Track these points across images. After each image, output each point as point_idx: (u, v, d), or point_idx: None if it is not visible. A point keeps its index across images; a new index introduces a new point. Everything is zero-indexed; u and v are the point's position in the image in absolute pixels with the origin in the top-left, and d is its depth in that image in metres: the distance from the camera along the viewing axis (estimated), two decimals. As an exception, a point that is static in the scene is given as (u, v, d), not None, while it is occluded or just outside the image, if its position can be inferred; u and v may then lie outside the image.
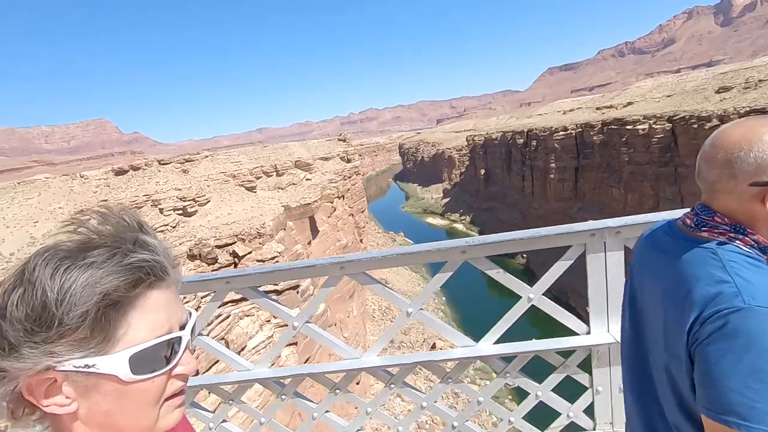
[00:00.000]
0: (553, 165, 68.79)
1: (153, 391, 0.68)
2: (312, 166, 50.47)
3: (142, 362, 0.65)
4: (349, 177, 58.77)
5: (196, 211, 34.22)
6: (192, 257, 27.69)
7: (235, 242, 28.66)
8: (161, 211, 32.52)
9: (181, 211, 33.29)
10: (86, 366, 0.62)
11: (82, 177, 42.25)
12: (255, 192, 42.49)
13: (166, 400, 0.70)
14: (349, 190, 55.56)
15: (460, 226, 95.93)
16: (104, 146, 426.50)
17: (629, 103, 64.71)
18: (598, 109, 71.82)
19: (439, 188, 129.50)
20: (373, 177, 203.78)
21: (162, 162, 40.27)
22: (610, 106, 68.67)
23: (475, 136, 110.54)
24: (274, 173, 46.89)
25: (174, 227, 31.40)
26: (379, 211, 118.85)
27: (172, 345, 0.69)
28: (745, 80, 46.51)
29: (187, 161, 45.38)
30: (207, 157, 50.41)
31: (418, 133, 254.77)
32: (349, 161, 64.23)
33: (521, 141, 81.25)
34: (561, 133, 67.96)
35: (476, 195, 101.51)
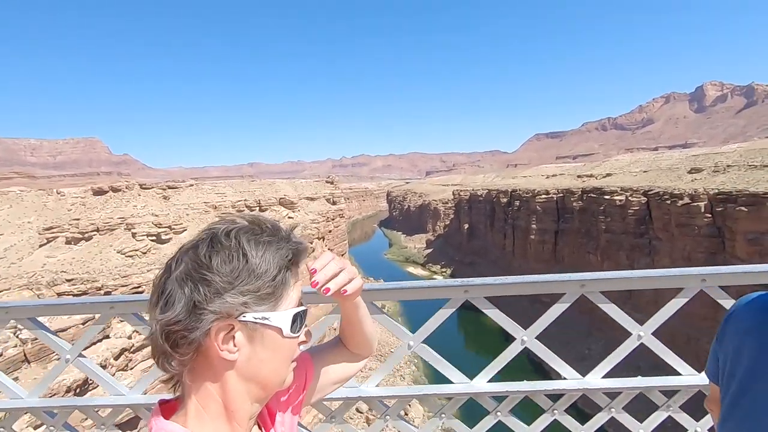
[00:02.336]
0: (534, 226, 70.20)
1: (292, 350, 0.90)
2: (296, 205, 50.47)
3: (294, 323, 0.88)
4: (333, 219, 58.83)
5: (171, 239, 33.39)
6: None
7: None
8: (134, 235, 31.67)
9: (154, 238, 32.45)
10: (263, 318, 0.83)
11: (58, 193, 41.34)
12: (234, 225, 41.92)
13: (293, 361, 0.92)
14: (330, 231, 55.38)
15: (439, 278, 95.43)
16: (91, 165, 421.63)
17: (608, 174, 67.54)
18: (579, 176, 74.68)
19: (423, 238, 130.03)
20: (359, 221, 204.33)
21: (144, 186, 39.83)
22: (591, 175, 71.53)
23: (461, 190, 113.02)
24: (257, 208, 46.65)
25: (144, 253, 30.44)
26: (361, 255, 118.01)
27: (304, 315, 0.91)
28: (715, 164, 49.26)
29: (170, 188, 45.00)
30: (192, 185, 50.18)
31: (407, 183, 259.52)
32: (334, 203, 64.61)
33: (505, 200, 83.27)
34: (543, 196, 70.02)
35: (458, 248, 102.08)
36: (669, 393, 2.05)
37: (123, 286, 26.79)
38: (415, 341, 2.09)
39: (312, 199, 60.79)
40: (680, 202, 44.16)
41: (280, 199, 51.15)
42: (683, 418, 2.10)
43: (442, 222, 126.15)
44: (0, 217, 38.01)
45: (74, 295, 26.86)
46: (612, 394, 2.06)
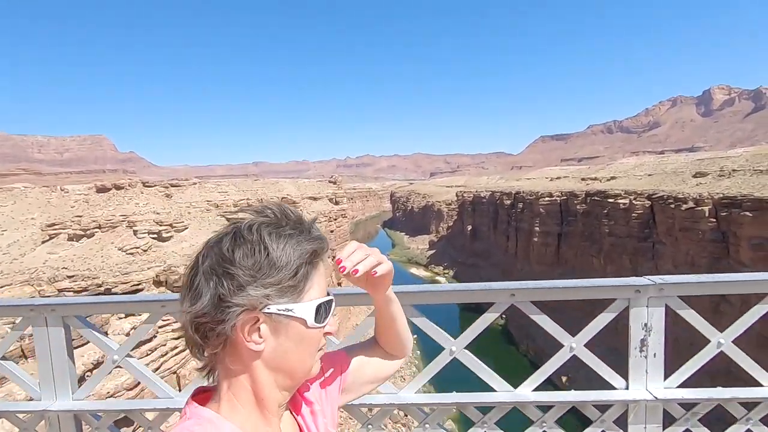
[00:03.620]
0: (537, 228, 69.86)
1: (317, 340, 0.93)
2: (298, 205, 50.46)
3: (318, 313, 0.90)
4: (335, 219, 58.81)
5: (172, 236, 33.50)
6: (158, 283, 26.76)
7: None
8: (135, 233, 31.81)
9: (155, 235, 32.57)
10: (286, 309, 0.85)
11: (62, 190, 41.61)
12: (236, 224, 42.08)
13: (318, 350, 0.95)
14: (333, 231, 55.35)
15: (442, 279, 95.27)
16: (97, 162, 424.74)
17: (612, 177, 67.12)
18: (583, 179, 74.25)
19: (426, 239, 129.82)
20: (362, 221, 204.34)
21: (146, 184, 40.01)
22: (595, 178, 71.09)
23: (465, 192, 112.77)
24: (259, 207, 46.74)
25: (145, 251, 30.55)
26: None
27: (330, 305, 0.94)
28: (720, 168, 48.81)
29: (172, 186, 45.16)
30: (195, 184, 50.34)
31: (411, 183, 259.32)
32: (336, 203, 64.62)
33: (508, 202, 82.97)
34: (547, 198, 69.68)
35: (461, 250, 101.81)
36: (749, 405, 2.01)
37: (123, 283, 26.87)
38: (458, 347, 2.06)
39: (315, 198, 60.87)
40: (684, 207, 43.76)
41: (282, 198, 51.19)
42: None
43: (445, 223, 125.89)
44: (4, 213, 38.31)
45: (75, 292, 26.96)
46: (687, 405, 2.02)
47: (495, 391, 2.08)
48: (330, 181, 75.33)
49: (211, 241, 0.88)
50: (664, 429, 2.02)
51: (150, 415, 2.28)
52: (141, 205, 36.07)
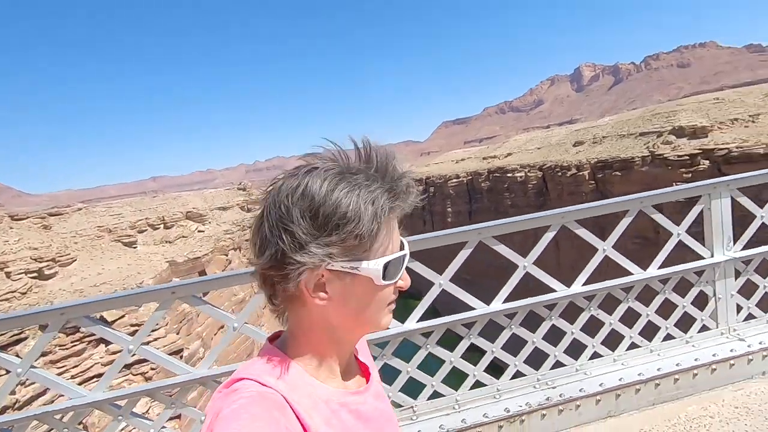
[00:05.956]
0: (449, 209, 73.75)
1: (386, 295, 0.86)
2: (206, 217, 47.26)
3: (387, 271, 0.82)
4: (249, 227, 56.16)
5: (56, 272, 29.27)
6: (45, 327, 23.21)
7: (105, 307, 24.88)
8: (8, 275, 27.13)
9: (35, 274, 28.17)
10: (352, 268, 0.78)
11: None
12: (135, 248, 38.06)
13: (388, 305, 0.89)
14: (248, 241, 52.77)
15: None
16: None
17: (509, 154, 73.04)
18: (484, 158, 79.75)
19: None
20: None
21: (16, 218, 34.29)
22: (494, 156, 76.78)
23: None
24: (162, 226, 42.81)
25: (24, 293, 26.25)
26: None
27: (401, 261, 0.86)
28: (593, 136, 55.73)
29: (51, 215, 39.52)
30: (80, 210, 44.56)
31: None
32: (249, 211, 61.76)
33: (421, 188, 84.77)
34: (454, 180, 73.78)
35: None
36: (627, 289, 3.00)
37: (1, 334, 22.94)
38: (444, 280, 2.65)
39: (225, 208, 57.58)
40: (569, 173, 49.35)
41: (188, 212, 47.57)
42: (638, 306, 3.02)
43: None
44: None
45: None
46: (426, 334, 2.74)
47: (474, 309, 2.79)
48: (239, 189, 71.71)
49: (274, 192, 0.80)
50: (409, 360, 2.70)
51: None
52: (12, 242, 30.83)
